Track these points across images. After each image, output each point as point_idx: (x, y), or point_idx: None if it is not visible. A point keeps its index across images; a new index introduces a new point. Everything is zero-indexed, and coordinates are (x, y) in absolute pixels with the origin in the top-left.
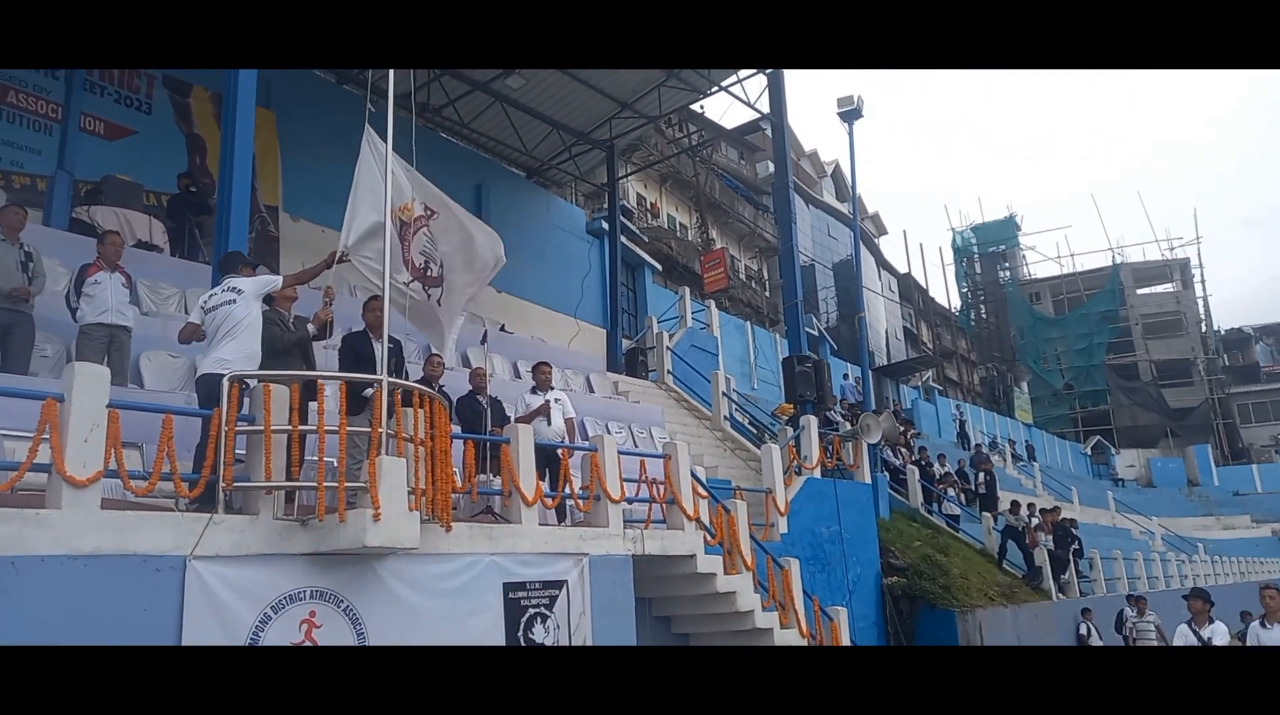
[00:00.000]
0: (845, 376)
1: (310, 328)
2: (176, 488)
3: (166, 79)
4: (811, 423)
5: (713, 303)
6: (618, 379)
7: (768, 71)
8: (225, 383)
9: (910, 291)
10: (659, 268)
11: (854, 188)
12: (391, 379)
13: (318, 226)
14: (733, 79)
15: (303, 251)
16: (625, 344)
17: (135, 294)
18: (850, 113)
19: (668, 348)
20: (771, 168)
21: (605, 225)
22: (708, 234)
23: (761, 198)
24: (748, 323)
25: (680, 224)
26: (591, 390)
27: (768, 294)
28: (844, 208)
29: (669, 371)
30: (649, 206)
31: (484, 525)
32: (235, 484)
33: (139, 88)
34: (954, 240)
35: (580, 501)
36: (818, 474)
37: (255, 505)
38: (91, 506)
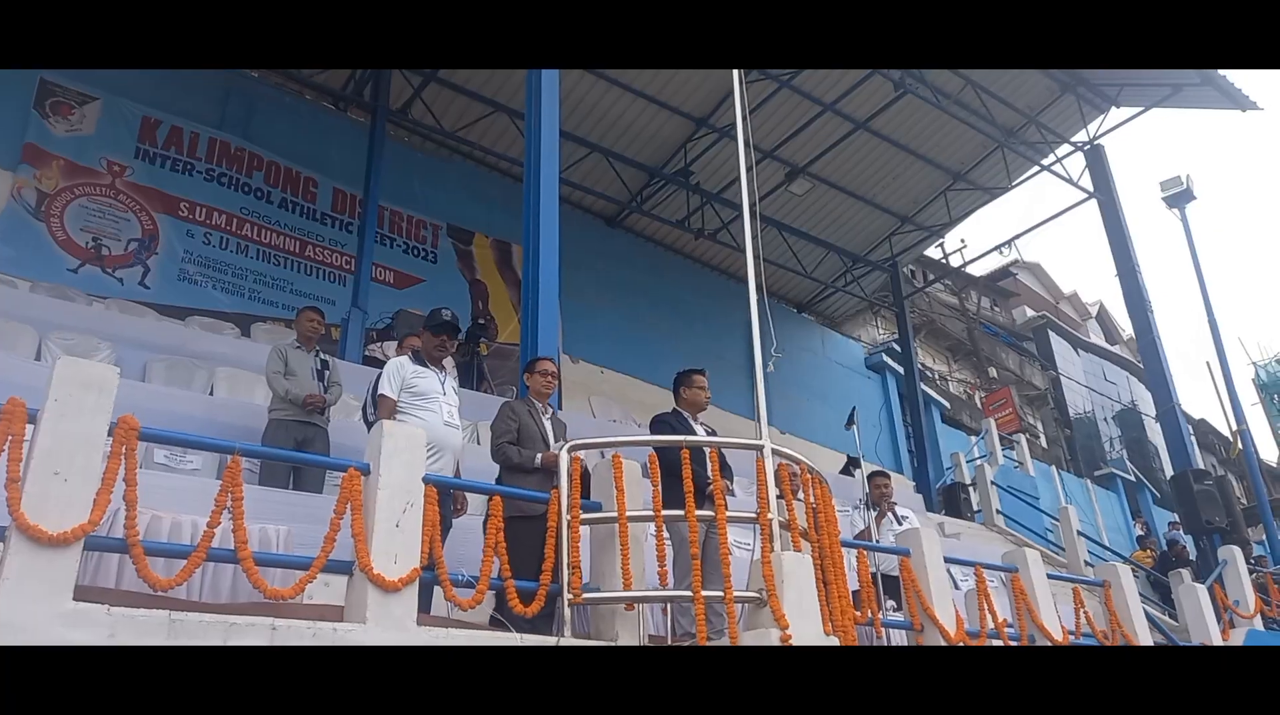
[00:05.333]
0: (1171, 525)
1: None
2: (510, 600)
3: (450, 228)
4: (1237, 556)
5: (1023, 438)
6: (942, 520)
7: (1086, 148)
8: (565, 456)
9: (1209, 439)
10: (948, 405)
11: (1201, 277)
12: (777, 447)
13: (596, 367)
14: (1033, 169)
15: (583, 391)
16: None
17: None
18: (1179, 195)
19: (992, 484)
20: (1030, 312)
21: (886, 359)
22: (986, 374)
23: (1023, 342)
24: (1051, 466)
25: (939, 374)
26: None
27: (1045, 444)
28: (1115, 350)
29: (997, 511)
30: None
31: None
32: (584, 596)
33: (425, 238)
34: (1257, 376)
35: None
36: (1258, 624)
37: (611, 627)
38: (405, 621)
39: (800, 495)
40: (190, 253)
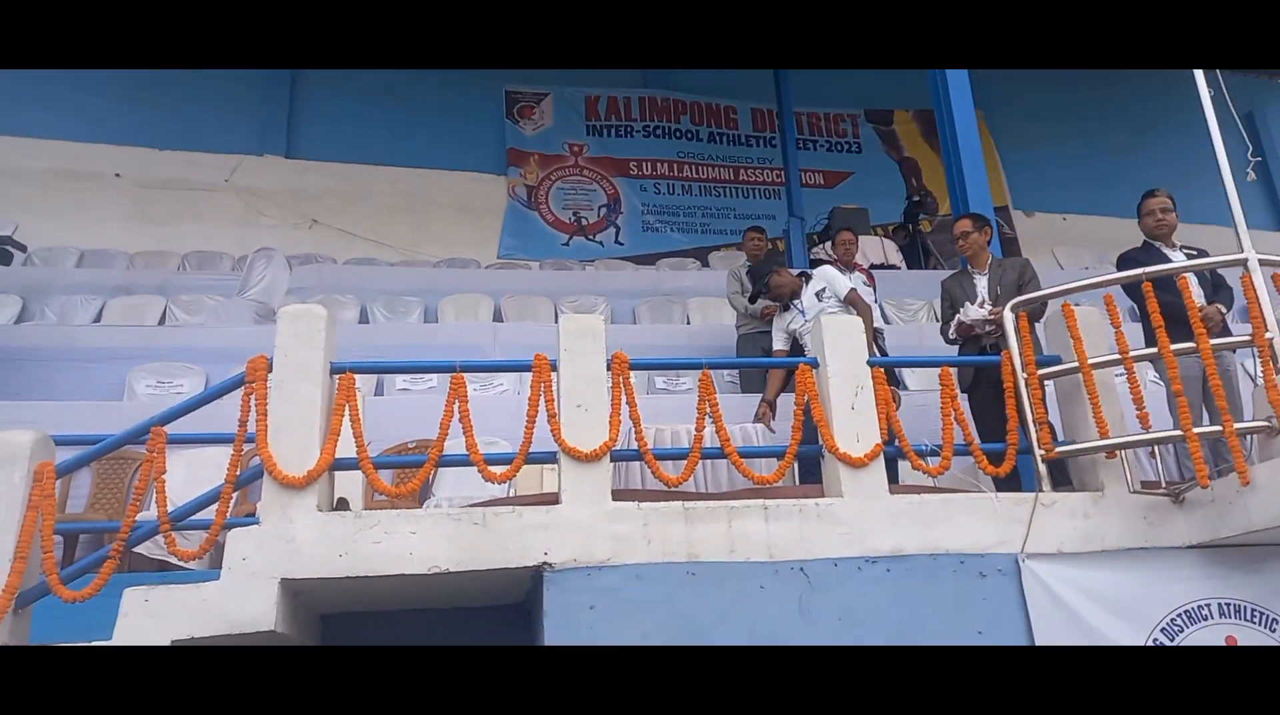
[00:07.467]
0: None
1: None
2: (978, 460)
3: (868, 113)
4: None
5: None
6: None
7: None
8: (1009, 316)
9: None
10: None
11: None
12: (1266, 256)
13: (1056, 215)
14: None
15: (1045, 243)
16: None
17: (877, 292)
18: None
19: None
20: None
21: None
22: None
23: None
24: None
25: None
26: None
27: None
28: None
29: None
30: None
31: None
32: (1058, 450)
33: (845, 131)
34: None
35: None
36: None
37: (1095, 478)
38: (878, 491)
39: None
40: (647, 204)
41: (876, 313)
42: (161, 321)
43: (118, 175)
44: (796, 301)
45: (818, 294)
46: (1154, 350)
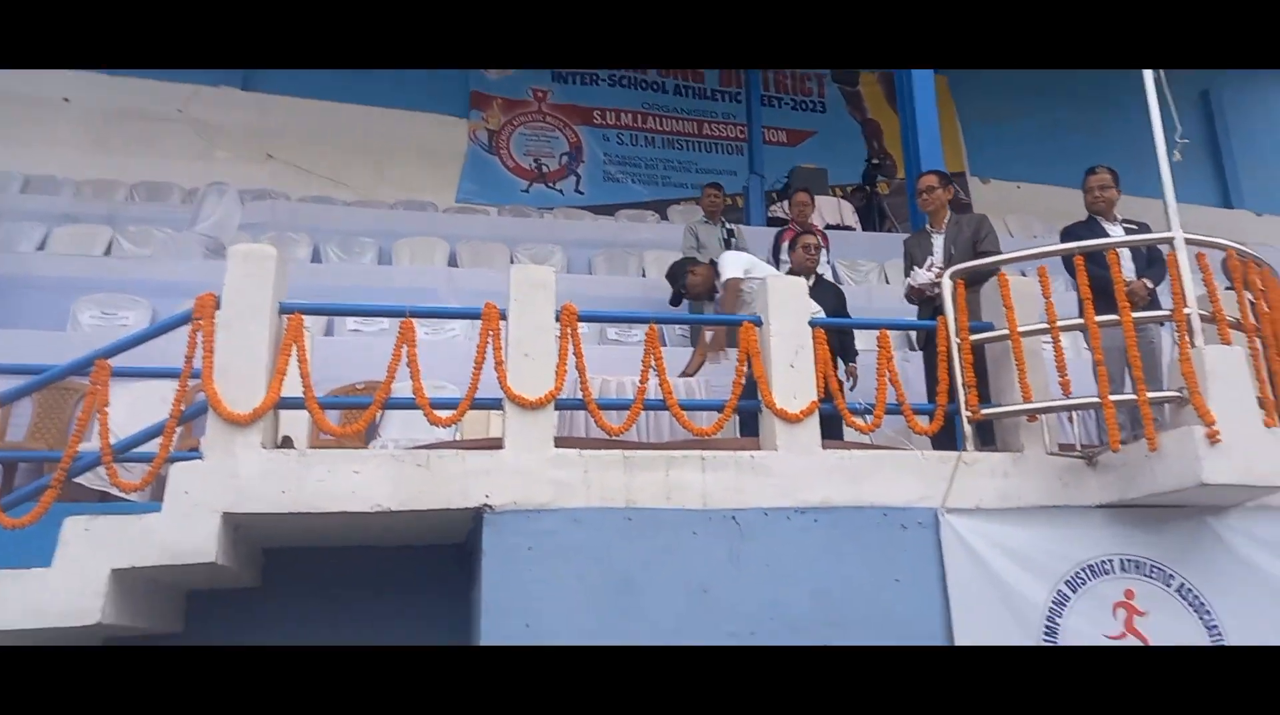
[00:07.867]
0: None
1: None
2: (908, 419)
3: (835, 74)
4: None
5: None
6: None
7: None
8: (947, 282)
9: None
10: None
11: None
12: (1193, 235)
13: (1010, 183)
14: None
15: (998, 211)
16: None
17: (829, 253)
18: None
19: None
20: None
21: None
22: None
23: None
24: None
25: None
26: None
27: None
28: None
29: None
30: None
31: None
32: (983, 412)
33: (810, 90)
34: None
35: None
36: None
37: (1017, 440)
38: (811, 447)
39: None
40: (609, 154)
41: (829, 272)
42: (108, 252)
43: (66, 100)
44: (717, 296)
45: None
46: (1081, 321)
